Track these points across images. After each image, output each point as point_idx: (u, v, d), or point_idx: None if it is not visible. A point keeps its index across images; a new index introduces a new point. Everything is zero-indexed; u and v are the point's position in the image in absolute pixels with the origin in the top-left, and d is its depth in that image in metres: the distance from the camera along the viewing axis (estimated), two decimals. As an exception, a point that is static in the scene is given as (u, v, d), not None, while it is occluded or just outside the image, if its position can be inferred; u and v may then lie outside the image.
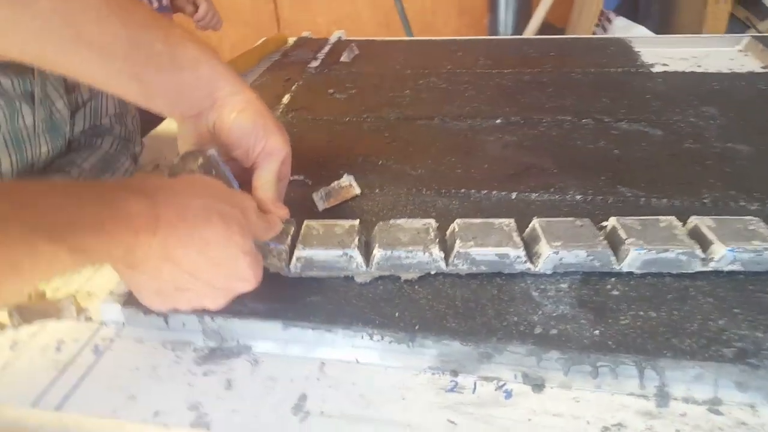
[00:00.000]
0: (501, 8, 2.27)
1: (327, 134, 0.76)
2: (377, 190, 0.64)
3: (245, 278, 0.43)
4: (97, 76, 0.44)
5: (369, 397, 0.43)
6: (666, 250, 0.50)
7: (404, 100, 0.88)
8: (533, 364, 0.45)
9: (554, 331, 0.46)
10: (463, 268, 0.51)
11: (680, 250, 0.50)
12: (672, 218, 0.54)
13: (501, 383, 0.45)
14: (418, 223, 0.54)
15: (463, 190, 0.64)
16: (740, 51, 1.11)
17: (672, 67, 1.01)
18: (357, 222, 0.54)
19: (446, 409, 0.42)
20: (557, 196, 0.63)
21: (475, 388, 0.44)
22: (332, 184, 0.61)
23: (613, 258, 0.51)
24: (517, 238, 0.51)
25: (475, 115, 0.82)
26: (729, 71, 0.98)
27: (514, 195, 0.63)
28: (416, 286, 0.51)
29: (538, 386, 0.44)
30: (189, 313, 0.48)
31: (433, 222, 0.54)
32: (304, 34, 1.27)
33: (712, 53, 1.10)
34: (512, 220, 0.54)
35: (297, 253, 0.50)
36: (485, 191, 0.64)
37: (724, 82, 0.93)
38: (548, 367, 0.45)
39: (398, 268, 0.51)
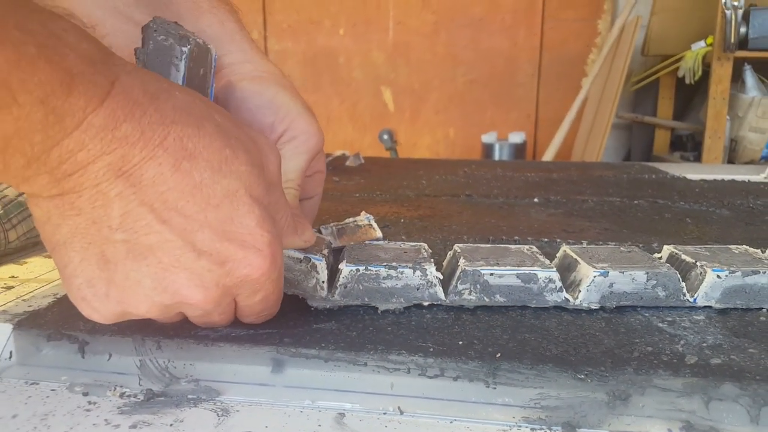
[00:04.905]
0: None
1: (332, 202, 0.63)
2: (403, 237, 0.48)
3: (252, 242, 0.26)
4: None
5: (428, 459, 0.24)
6: (755, 273, 0.35)
7: (421, 183, 0.76)
8: (698, 408, 0.26)
9: (717, 361, 0.29)
10: (470, 297, 0.34)
11: None
12: (746, 247, 0.40)
13: (653, 442, 0.26)
14: (406, 245, 0.39)
15: (516, 237, 0.49)
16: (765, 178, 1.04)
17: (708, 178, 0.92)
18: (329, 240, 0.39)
19: (574, 478, 0.23)
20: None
21: (611, 450, 0.25)
22: (347, 220, 0.45)
23: (682, 284, 0.35)
24: (545, 260, 0.36)
25: (507, 194, 0.70)
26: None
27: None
28: (482, 314, 0.33)
29: (718, 444, 0.25)
30: (128, 336, 0.29)
31: (425, 244, 0.39)
32: None
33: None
34: (533, 247, 0.39)
35: None
36: (537, 242, 0.49)
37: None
38: (722, 411, 0.26)
39: (374, 294, 0.34)
